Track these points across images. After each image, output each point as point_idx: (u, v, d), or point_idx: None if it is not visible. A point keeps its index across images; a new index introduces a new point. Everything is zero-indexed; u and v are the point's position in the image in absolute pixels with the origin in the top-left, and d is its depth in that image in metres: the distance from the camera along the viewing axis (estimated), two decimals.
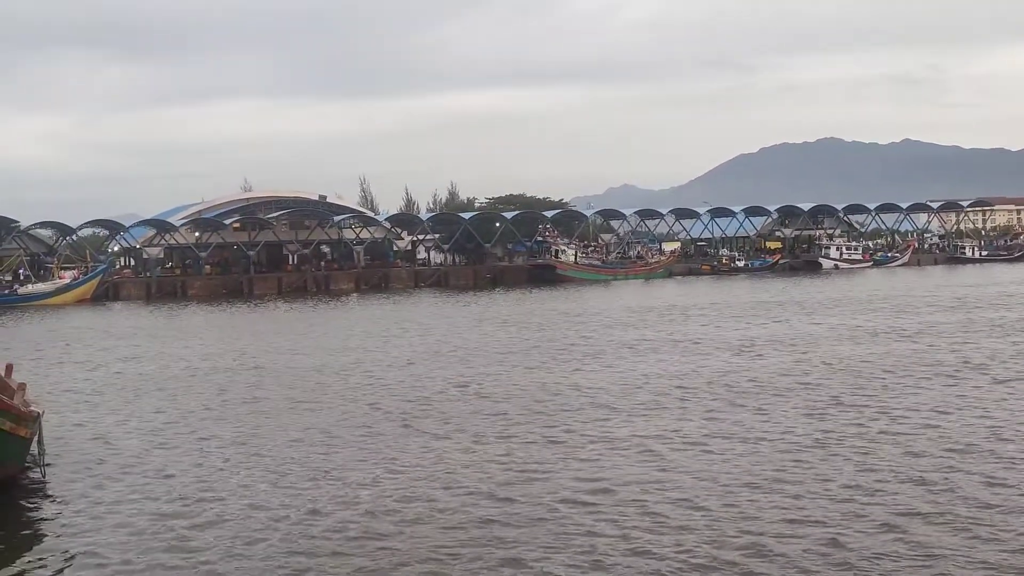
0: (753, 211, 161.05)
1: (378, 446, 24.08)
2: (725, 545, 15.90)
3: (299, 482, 20.82)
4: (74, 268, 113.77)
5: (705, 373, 34.95)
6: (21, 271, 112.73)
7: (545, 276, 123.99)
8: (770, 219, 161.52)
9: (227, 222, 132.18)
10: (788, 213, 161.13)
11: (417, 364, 40.35)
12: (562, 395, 30.95)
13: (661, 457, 21.90)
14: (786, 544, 15.83)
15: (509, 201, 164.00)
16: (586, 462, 21.67)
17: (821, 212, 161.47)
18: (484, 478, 20.58)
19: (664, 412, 27.35)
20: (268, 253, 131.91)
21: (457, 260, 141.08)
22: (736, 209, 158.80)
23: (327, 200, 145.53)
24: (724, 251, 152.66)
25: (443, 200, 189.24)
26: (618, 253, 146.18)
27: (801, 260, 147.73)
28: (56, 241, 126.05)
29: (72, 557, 16.85)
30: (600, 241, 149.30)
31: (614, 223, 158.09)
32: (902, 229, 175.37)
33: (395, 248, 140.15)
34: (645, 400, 29.51)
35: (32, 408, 22.48)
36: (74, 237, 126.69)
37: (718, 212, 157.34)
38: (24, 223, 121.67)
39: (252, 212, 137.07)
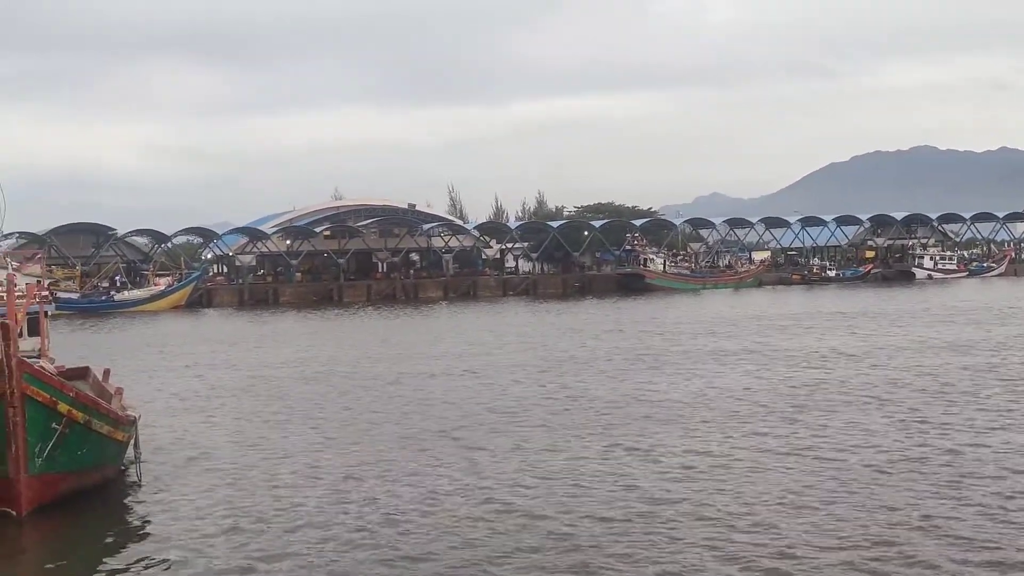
0: (844, 220, 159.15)
1: (463, 455, 24.21)
2: (803, 559, 15.78)
3: (387, 488, 21.02)
4: (169, 275, 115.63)
5: (792, 385, 34.68)
6: (118, 278, 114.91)
7: (634, 285, 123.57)
8: (862, 228, 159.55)
9: (318, 230, 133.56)
10: (880, 222, 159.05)
11: (504, 372, 40.50)
12: (645, 405, 30.89)
13: (741, 469, 21.78)
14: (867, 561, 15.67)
15: (598, 210, 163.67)
16: (666, 475, 21.61)
17: (915, 221, 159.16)
18: (565, 489, 20.62)
19: (750, 424, 27.20)
20: (358, 261, 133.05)
21: (546, 268, 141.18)
22: (827, 218, 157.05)
23: (416, 208, 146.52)
24: (815, 260, 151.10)
25: (531, 208, 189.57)
26: (707, 262, 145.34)
27: (894, 270, 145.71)
28: (151, 248, 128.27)
29: (165, 559, 17.16)
30: (689, 250, 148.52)
31: (703, 232, 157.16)
32: (998, 238, 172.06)
33: (484, 256, 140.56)
34: (732, 411, 29.35)
35: (129, 412, 22.95)
36: (169, 244, 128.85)
37: (809, 221, 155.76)
38: (121, 230, 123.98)
39: (342, 220, 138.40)
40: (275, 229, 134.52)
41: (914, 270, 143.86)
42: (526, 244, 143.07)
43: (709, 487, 20.18)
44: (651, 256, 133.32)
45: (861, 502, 18.58)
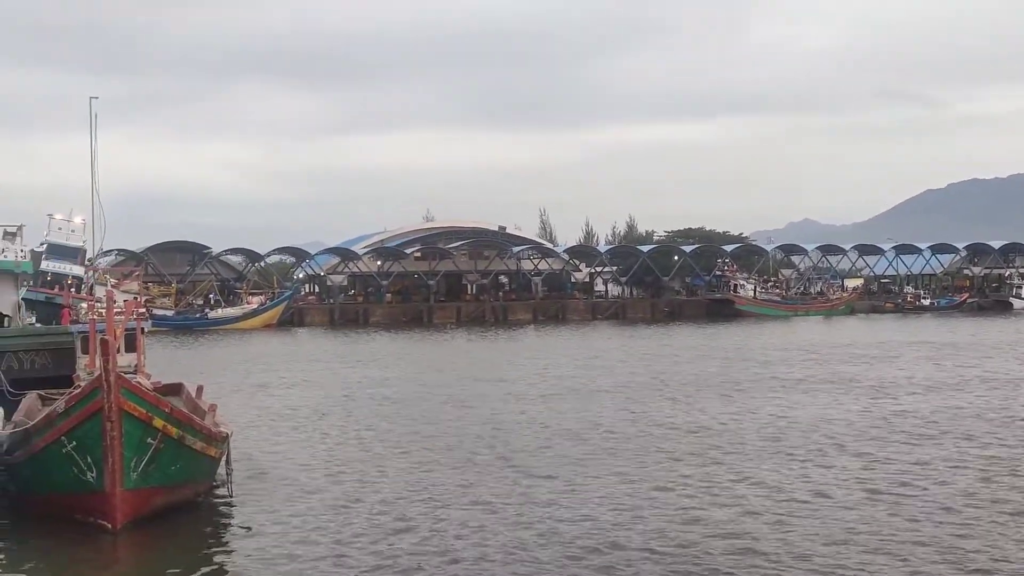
0: (940, 248, 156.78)
1: (542, 482, 24.28)
2: None
3: (471, 512, 21.16)
4: (261, 293, 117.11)
5: (874, 416, 34.26)
6: (212, 296, 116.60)
7: (723, 310, 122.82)
8: (958, 257, 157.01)
9: (408, 251, 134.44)
10: (977, 251, 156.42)
11: (589, 397, 40.47)
12: (724, 435, 30.71)
13: (818, 504, 21.60)
14: None
15: (688, 235, 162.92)
16: (735, 508, 21.50)
17: (1012, 250, 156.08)
18: (646, 521, 20.61)
19: (828, 456, 26.96)
20: (447, 282, 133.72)
21: (635, 293, 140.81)
22: (922, 246, 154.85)
23: (506, 231, 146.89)
24: (909, 289, 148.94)
25: (621, 232, 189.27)
26: (798, 289, 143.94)
27: (990, 299, 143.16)
28: (245, 267, 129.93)
29: (254, 573, 17.44)
30: (780, 276, 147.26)
31: (795, 258, 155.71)
32: None
33: (573, 280, 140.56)
34: (812, 442, 29.07)
35: (221, 428, 23.32)
36: (262, 263, 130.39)
37: (903, 249, 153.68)
38: (215, 249, 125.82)
39: (433, 242, 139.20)
40: (366, 250, 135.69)
41: (1011, 300, 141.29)
42: (615, 268, 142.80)
43: (778, 523, 20.05)
44: (741, 282, 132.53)
45: (935, 549, 18.25)
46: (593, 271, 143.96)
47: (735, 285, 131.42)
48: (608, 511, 20.77)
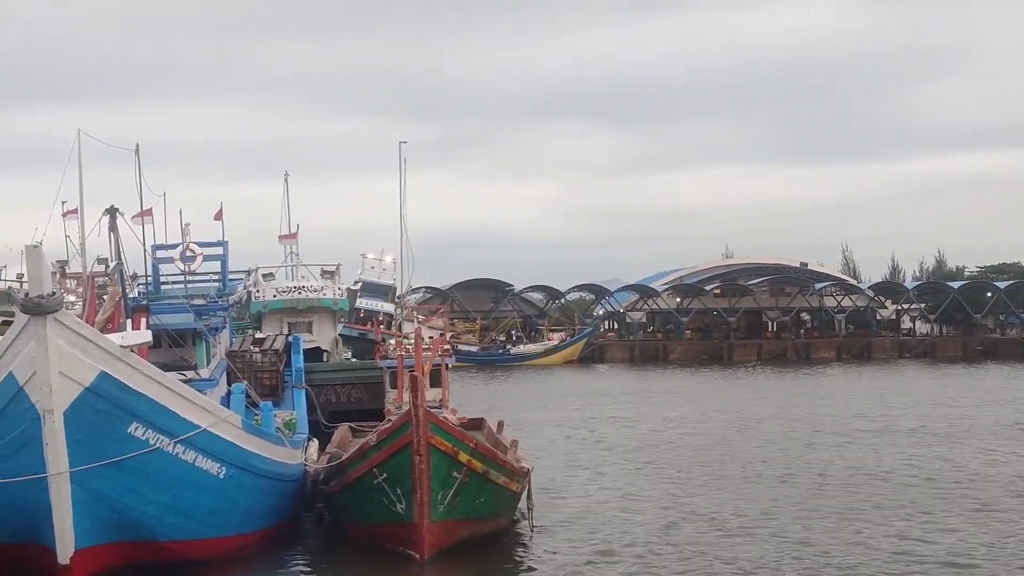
0: None
1: (836, 526, 23.72)
2: None
3: (773, 556, 20.86)
4: (562, 330, 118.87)
5: None
6: (514, 332, 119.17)
7: None
8: None
9: (708, 288, 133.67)
10: None
11: (891, 439, 39.20)
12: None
13: None
14: None
15: (1002, 270, 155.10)
16: None
17: None
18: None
19: None
20: (748, 319, 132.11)
21: (944, 331, 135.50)
22: None
23: (808, 267, 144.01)
24: None
25: (930, 268, 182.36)
26: None
27: None
28: (546, 304, 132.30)
29: None
30: None
31: None
32: None
33: (878, 317, 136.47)
34: None
35: (523, 464, 23.79)
36: (562, 300, 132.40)
37: None
38: (517, 286, 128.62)
39: (732, 278, 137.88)
40: (665, 286, 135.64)
41: None
42: (924, 305, 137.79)
43: None
44: None
45: None
46: (900, 308, 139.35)
47: None
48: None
